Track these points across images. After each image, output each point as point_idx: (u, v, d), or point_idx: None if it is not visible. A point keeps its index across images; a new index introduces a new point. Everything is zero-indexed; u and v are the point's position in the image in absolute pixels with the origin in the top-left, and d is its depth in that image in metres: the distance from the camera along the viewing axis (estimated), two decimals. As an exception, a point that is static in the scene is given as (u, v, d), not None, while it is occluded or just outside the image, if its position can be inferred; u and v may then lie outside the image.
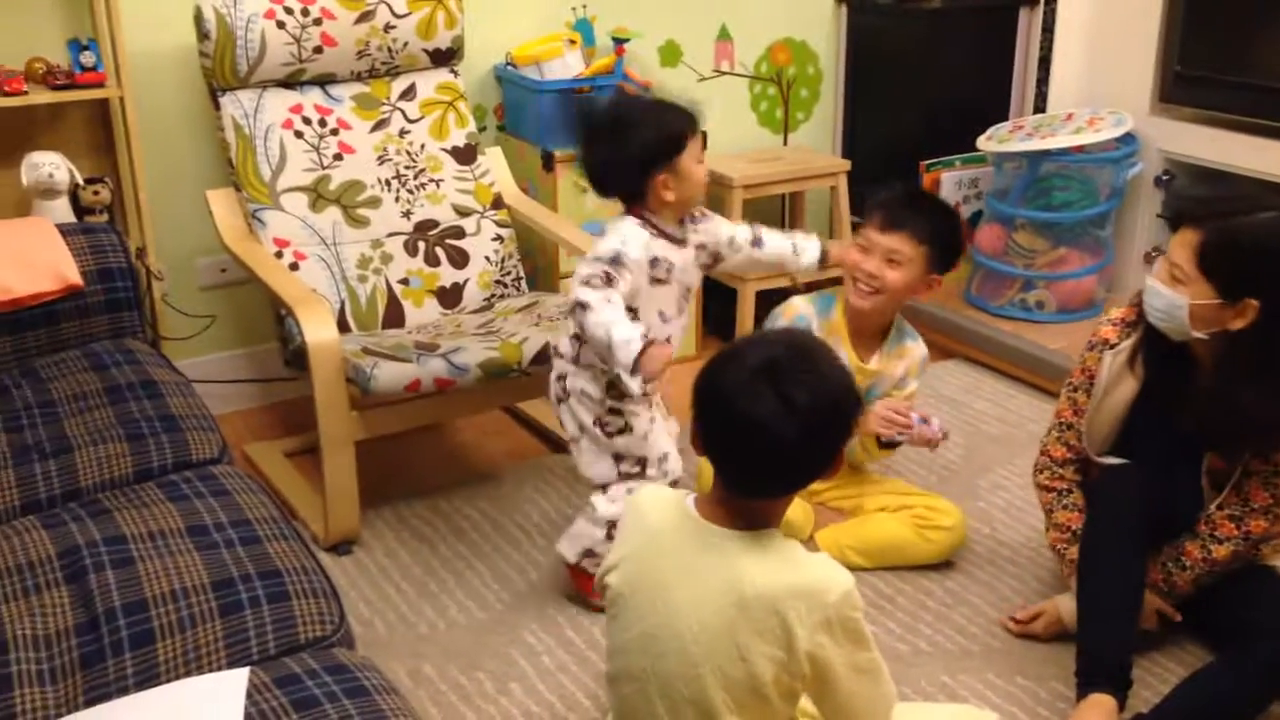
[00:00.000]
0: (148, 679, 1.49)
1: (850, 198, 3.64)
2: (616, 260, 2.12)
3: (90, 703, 1.46)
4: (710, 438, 1.54)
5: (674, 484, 2.25)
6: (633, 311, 2.14)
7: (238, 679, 1.43)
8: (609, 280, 2.09)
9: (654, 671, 1.57)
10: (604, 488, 2.27)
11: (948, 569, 2.48)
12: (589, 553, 2.28)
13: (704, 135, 2.23)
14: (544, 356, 2.48)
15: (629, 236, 2.15)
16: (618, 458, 2.25)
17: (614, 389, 2.18)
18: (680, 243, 2.24)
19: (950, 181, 3.66)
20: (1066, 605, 2.23)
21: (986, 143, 3.45)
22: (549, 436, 3.06)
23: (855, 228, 3.69)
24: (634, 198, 2.19)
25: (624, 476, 2.25)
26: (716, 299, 3.58)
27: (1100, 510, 2.14)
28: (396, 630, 2.28)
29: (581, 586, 2.33)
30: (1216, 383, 2.00)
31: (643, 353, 2.00)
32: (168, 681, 1.49)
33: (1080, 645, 2.07)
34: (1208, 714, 1.99)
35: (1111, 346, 2.15)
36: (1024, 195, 3.42)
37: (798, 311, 2.49)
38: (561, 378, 2.26)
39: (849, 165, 3.63)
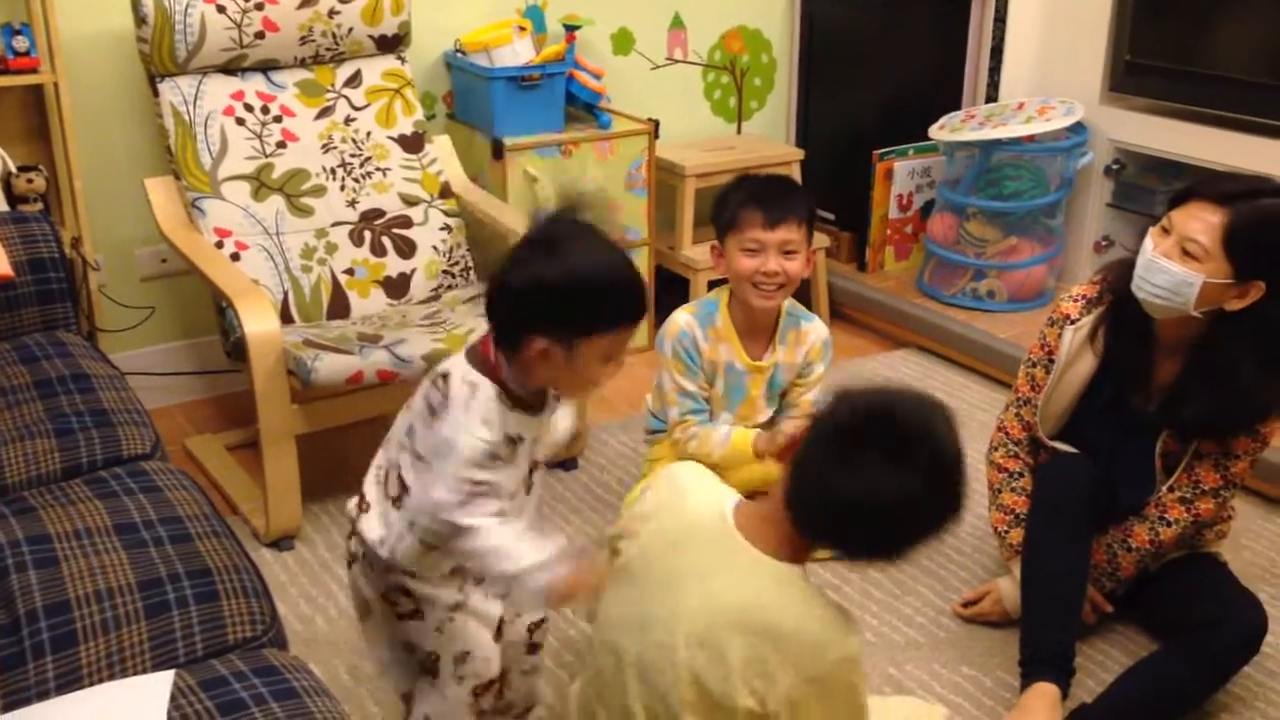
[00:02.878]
0: (69, 683, 1.45)
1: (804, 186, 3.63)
2: (493, 458, 1.51)
3: (9, 707, 1.42)
4: (818, 522, 1.46)
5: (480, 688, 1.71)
6: None
7: (161, 682, 1.40)
8: (484, 494, 1.51)
9: (639, 657, 1.53)
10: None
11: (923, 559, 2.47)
12: None
13: (631, 332, 1.54)
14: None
15: (490, 417, 1.52)
16: (408, 647, 1.69)
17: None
18: (537, 410, 1.59)
19: (903, 170, 3.66)
20: (1007, 587, 2.23)
21: (939, 132, 3.45)
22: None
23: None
24: (503, 341, 1.53)
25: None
26: (669, 290, 3.55)
27: (1046, 498, 2.14)
28: (338, 626, 2.25)
29: None
30: (1211, 363, 1.99)
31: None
32: (90, 685, 1.45)
33: (1023, 634, 2.07)
34: (1152, 703, 2.00)
35: (1072, 322, 2.15)
36: (975, 184, 3.42)
37: (680, 329, 2.37)
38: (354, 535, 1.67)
39: (803, 154, 3.62)
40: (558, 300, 1.47)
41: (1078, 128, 3.34)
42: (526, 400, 1.57)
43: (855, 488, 1.38)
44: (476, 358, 1.56)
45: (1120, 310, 2.07)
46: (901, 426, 1.39)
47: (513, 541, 1.51)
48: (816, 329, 2.45)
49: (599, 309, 1.49)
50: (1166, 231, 1.98)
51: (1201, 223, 1.92)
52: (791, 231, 2.28)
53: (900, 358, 3.45)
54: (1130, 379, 2.09)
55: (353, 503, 1.70)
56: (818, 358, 2.45)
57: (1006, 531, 2.23)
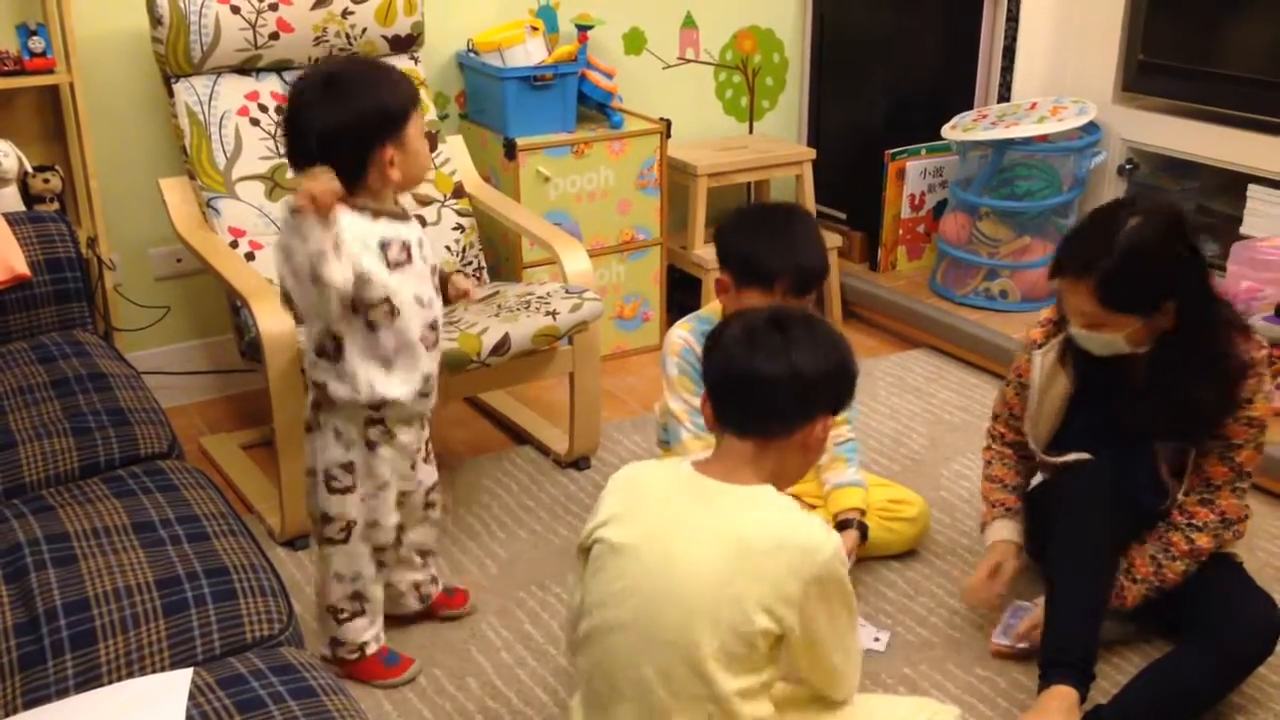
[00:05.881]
0: (89, 680, 1.46)
1: (815, 187, 3.63)
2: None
3: (29, 705, 1.43)
4: (714, 384, 1.66)
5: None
6: (390, 307, 1.89)
7: (180, 680, 1.40)
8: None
9: (647, 620, 1.57)
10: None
11: (909, 558, 2.47)
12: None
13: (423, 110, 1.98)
14: (504, 347, 2.46)
15: (342, 224, 1.80)
16: (325, 519, 2.02)
17: (373, 426, 1.97)
18: (405, 218, 1.94)
19: (915, 170, 3.65)
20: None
21: (951, 131, 3.44)
22: (510, 428, 3.04)
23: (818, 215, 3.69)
24: (350, 177, 1.82)
25: (323, 540, 2.04)
26: (681, 290, 3.56)
27: (1070, 504, 2.13)
28: (353, 625, 2.25)
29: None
30: (1155, 377, 2.01)
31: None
32: (109, 683, 1.46)
33: (1045, 635, 2.06)
34: (1168, 704, 1.99)
35: (1039, 347, 2.17)
36: (988, 184, 3.41)
37: (681, 346, 2.28)
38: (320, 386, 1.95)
39: (814, 154, 3.62)
40: (375, 110, 1.83)
41: (1091, 127, 3.34)
42: (390, 211, 1.90)
43: (754, 367, 1.61)
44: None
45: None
46: (784, 322, 1.65)
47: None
48: None
49: (401, 97, 1.86)
50: (1068, 310, 2.04)
51: (1079, 298, 1.97)
52: (810, 298, 2.22)
53: (913, 358, 3.45)
54: (1106, 395, 2.10)
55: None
56: None
57: (989, 495, 2.30)
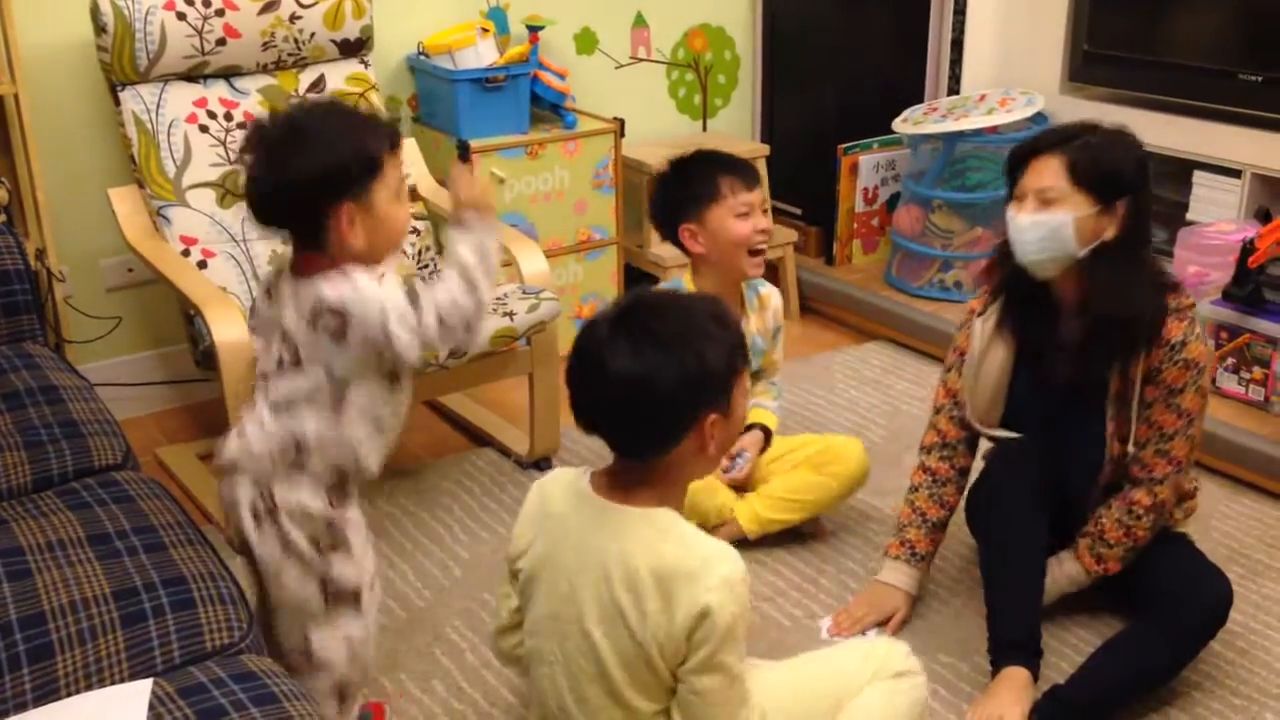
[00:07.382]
0: (46, 694, 1.44)
1: (770, 183, 3.65)
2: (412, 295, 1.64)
3: (-15, 721, 1.41)
4: (579, 401, 1.55)
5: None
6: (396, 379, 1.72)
7: (139, 691, 1.39)
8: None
9: (561, 652, 1.60)
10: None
11: (869, 547, 2.49)
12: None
13: (398, 157, 1.69)
14: (460, 350, 2.45)
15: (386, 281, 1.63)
16: (325, 582, 1.71)
17: (335, 492, 1.70)
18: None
19: (868, 164, 3.68)
20: (893, 579, 2.26)
21: (902, 125, 3.48)
22: (469, 430, 3.03)
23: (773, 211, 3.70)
24: (307, 239, 1.63)
25: (327, 611, 1.72)
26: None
27: (998, 484, 2.16)
28: (316, 632, 2.24)
29: None
30: (1094, 280, 2.02)
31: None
32: (67, 696, 1.44)
33: (989, 621, 2.09)
34: (1124, 679, 2.02)
35: (979, 315, 2.18)
36: (940, 176, 3.45)
37: None
38: (259, 484, 1.68)
39: (768, 150, 3.64)
40: (327, 165, 1.57)
41: (1039, 118, 3.38)
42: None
43: (606, 395, 1.50)
44: (312, 270, 1.63)
45: (1016, 290, 2.12)
46: (630, 325, 1.51)
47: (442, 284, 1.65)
48: (773, 291, 2.57)
49: (363, 150, 1.60)
50: (1020, 199, 2.05)
51: (1046, 172, 2.01)
52: (758, 193, 2.33)
53: (870, 350, 3.48)
54: (1043, 351, 2.11)
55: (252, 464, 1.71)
56: (781, 318, 2.57)
57: (905, 526, 2.27)
